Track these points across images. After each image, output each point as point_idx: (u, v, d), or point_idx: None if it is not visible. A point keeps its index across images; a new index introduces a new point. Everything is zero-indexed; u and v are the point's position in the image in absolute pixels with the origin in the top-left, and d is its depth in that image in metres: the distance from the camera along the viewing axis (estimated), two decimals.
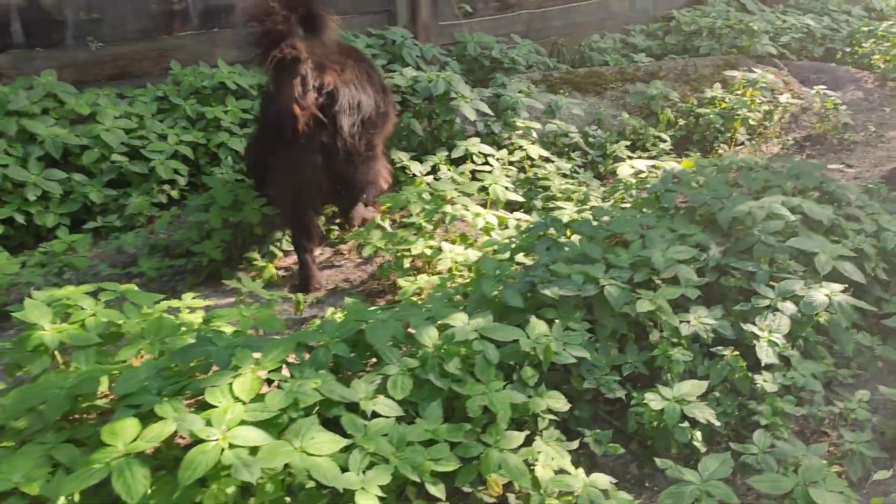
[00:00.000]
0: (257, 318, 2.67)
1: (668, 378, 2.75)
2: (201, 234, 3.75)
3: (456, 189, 3.62)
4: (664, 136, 5.31)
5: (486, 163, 4.50)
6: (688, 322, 2.83)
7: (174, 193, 4.37)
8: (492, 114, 4.74)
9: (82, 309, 2.61)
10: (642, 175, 3.89)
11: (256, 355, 2.26)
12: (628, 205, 3.75)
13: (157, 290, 3.57)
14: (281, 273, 3.79)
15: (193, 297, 2.98)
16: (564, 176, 4.56)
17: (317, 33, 3.50)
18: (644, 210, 3.55)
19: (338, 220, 4.15)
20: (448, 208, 3.47)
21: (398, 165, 4.33)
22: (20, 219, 3.91)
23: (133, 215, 4.11)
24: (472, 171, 4.45)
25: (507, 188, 3.75)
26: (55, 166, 4.19)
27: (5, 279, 3.35)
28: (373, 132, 3.77)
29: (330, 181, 3.68)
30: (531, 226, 3.22)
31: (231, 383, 2.12)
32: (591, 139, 5.17)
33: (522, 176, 4.51)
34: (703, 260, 3.16)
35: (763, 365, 2.75)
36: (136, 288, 2.89)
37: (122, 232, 4.11)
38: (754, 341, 2.80)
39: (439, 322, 2.58)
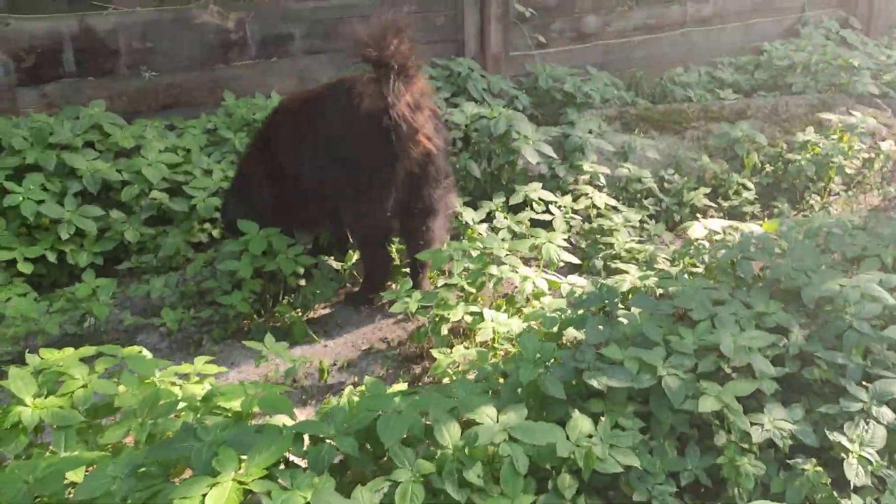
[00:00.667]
0: (264, 397, 2.36)
1: (736, 493, 2.31)
2: (232, 282, 3.49)
3: (505, 247, 3.24)
4: (749, 183, 4.80)
5: (547, 210, 4.11)
6: (761, 425, 2.39)
7: (215, 233, 4.16)
8: (555, 156, 4.35)
9: (73, 378, 2.36)
10: (717, 236, 3.43)
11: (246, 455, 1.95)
12: (701, 269, 3.29)
13: (181, 343, 3.37)
14: (314, 328, 3.50)
15: (207, 362, 2.71)
16: (635, 227, 4.12)
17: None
18: (717, 279, 3.09)
19: None
20: (494, 269, 3.10)
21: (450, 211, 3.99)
22: (52, 257, 3.75)
23: (170, 256, 3.91)
24: (531, 220, 4.08)
25: (562, 247, 3.35)
26: (96, 201, 4.05)
27: (22, 327, 3.17)
28: (446, 171, 3.56)
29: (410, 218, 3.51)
30: (584, 296, 2.81)
31: (205, 495, 1.81)
32: (666, 185, 4.71)
33: (587, 226, 4.10)
34: (782, 346, 2.69)
35: (852, 487, 2.27)
36: (144, 351, 2.64)
37: (159, 272, 3.92)
38: (842, 454, 2.33)
39: (464, 417, 2.22)
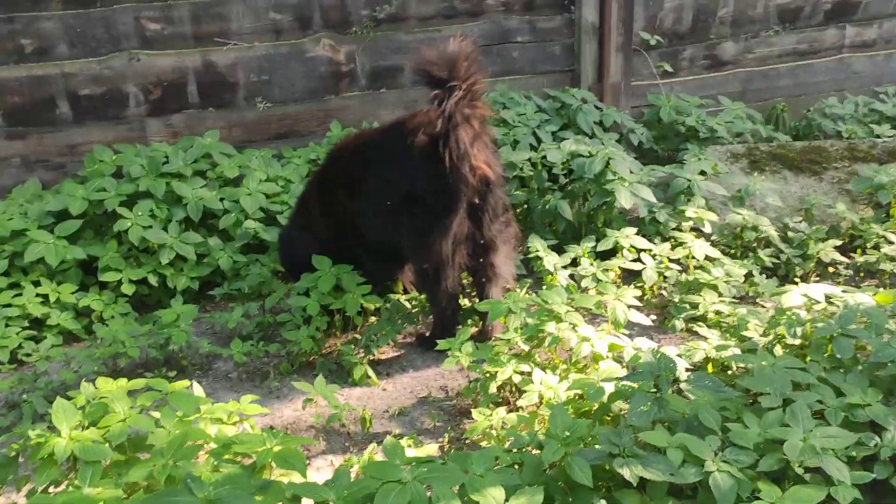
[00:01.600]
0: (279, 451, 2.35)
1: None
2: (304, 317, 3.55)
3: (567, 302, 3.04)
4: (892, 236, 4.24)
5: (639, 259, 3.85)
6: None
7: None
8: (653, 200, 4.07)
9: (114, 413, 2.47)
10: (818, 306, 3.03)
11: None
12: (796, 342, 2.91)
13: (251, 373, 3.47)
14: (378, 369, 3.47)
15: (265, 396, 2.77)
16: (738, 283, 3.75)
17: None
18: (809, 359, 2.73)
19: None
20: (552, 327, 2.92)
21: (531, 255, 3.84)
22: (153, 280, 4.00)
23: (257, 284, 4.04)
24: (621, 268, 3.84)
25: (633, 306, 3.09)
26: (201, 228, 4.28)
27: (109, 349, 3.39)
28: (505, 203, 3.50)
29: (472, 254, 3.42)
30: (639, 368, 2.57)
31: None
32: (791, 234, 4.27)
33: (683, 278, 3.79)
34: (873, 446, 2.32)
35: None
36: (195, 385, 2.72)
37: (248, 299, 4.07)
38: None
39: (469, 498, 2.09)
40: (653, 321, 3.78)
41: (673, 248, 3.95)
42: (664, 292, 3.83)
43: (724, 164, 5.03)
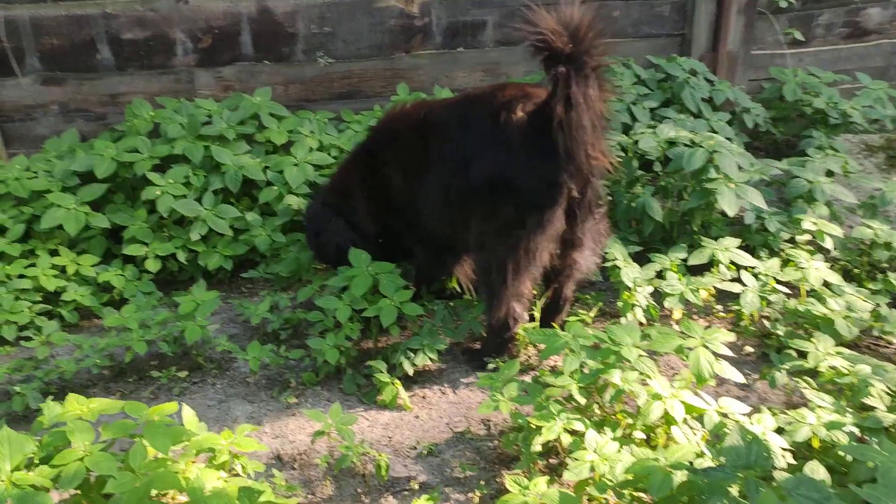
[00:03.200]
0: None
1: None
2: (331, 322, 3.08)
3: (643, 343, 2.43)
4: None
5: (739, 279, 3.17)
6: None
7: None
8: (764, 206, 3.34)
9: (72, 449, 2.07)
10: None
11: None
12: None
13: (272, 379, 3.04)
14: (415, 388, 2.98)
15: (248, 433, 2.33)
16: (862, 321, 3.03)
17: None
18: None
19: None
20: (616, 376, 2.33)
21: (607, 263, 3.22)
22: (182, 257, 3.61)
23: (297, 268, 3.60)
24: (716, 289, 3.18)
25: (721, 357, 2.45)
26: (242, 199, 3.86)
27: (114, 340, 3.02)
28: (601, 195, 2.97)
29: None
30: (722, 453, 1.97)
31: None
32: None
33: (792, 305, 3.09)
34: None
35: None
36: (185, 408, 2.31)
37: (287, 285, 3.65)
38: None
39: None
40: (749, 353, 3.13)
41: (783, 266, 3.25)
42: (766, 320, 3.15)
43: (856, 158, 4.21)
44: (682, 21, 4.77)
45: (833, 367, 2.53)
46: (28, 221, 3.56)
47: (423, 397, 2.95)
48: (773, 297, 3.13)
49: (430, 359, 2.94)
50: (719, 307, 3.35)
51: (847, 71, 5.00)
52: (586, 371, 2.40)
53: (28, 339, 3.13)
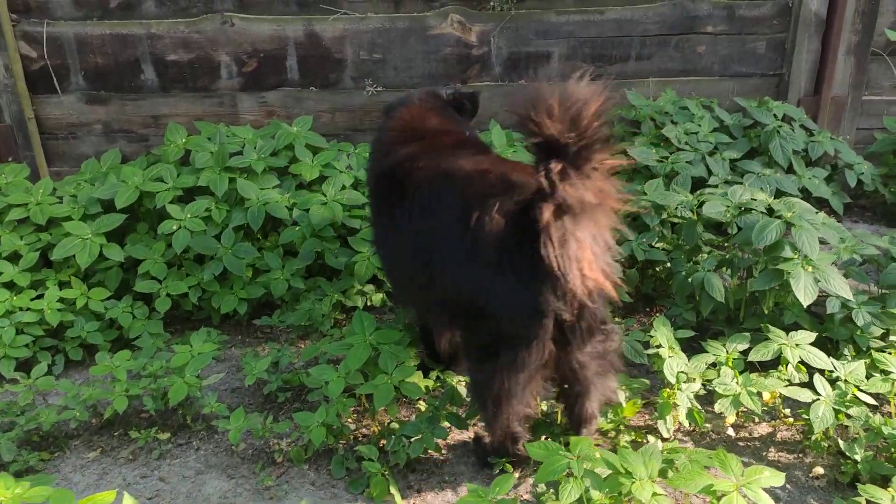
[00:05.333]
0: None
1: None
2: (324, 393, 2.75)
3: (654, 471, 1.96)
4: None
5: (810, 385, 2.63)
6: None
7: (376, 298, 3.45)
8: (849, 296, 2.78)
9: None
10: None
11: None
12: None
13: (256, 452, 2.74)
14: (411, 476, 2.61)
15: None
16: None
17: None
18: None
19: None
20: None
21: (650, 350, 2.76)
22: (194, 297, 3.38)
23: (309, 322, 3.30)
24: (782, 394, 2.65)
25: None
26: (268, 238, 3.60)
27: (95, 394, 2.80)
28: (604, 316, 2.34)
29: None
30: None
31: None
32: None
33: (877, 423, 2.52)
34: None
35: None
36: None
37: (306, 333, 3.37)
38: None
39: None
40: (819, 476, 2.58)
41: (870, 373, 2.68)
42: (842, 439, 2.59)
43: None
44: (780, 60, 4.19)
45: None
46: (44, 249, 3.42)
47: (419, 491, 2.57)
48: (852, 411, 2.57)
49: (427, 449, 2.56)
50: (787, 410, 2.82)
51: None
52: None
53: (14, 381, 2.96)
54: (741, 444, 2.75)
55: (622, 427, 2.64)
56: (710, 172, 3.70)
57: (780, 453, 2.70)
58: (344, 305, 3.44)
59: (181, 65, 4.03)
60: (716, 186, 3.54)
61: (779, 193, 3.67)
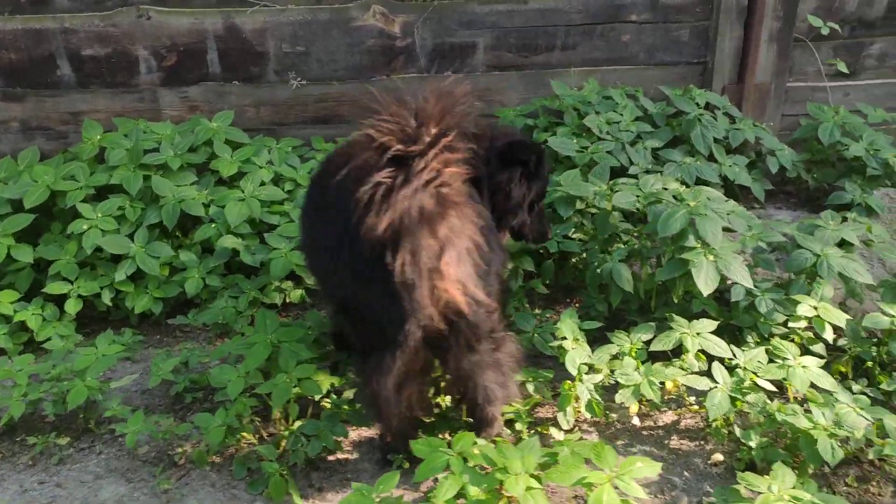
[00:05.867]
0: None
1: None
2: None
3: (532, 465, 1.96)
4: None
5: (709, 373, 2.64)
6: None
7: (295, 295, 3.42)
8: (749, 284, 2.79)
9: None
10: None
11: None
12: None
13: (158, 454, 2.71)
14: (315, 475, 2.59)
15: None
16: (854, 442, 2.46)
17: None
18: None
19: None
20: None
21: (554, 343, 2.76)
22: (107, 298, 3.33)
23: (224, 321, 3.26)
24: (682, 382, 2.66)
25: (629, 501, 1.94)
26: (184, 237, 3.55)
27: None
28: (494, 304, 2.31)
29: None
30: None
31: None
32: None
33: (775, 410, 2.53)
34: None
35: None
36: None
37: (224, 331, 3.33)
38: None
39: None
40: (718, 463, 2.61)
41: (770, 359, 2.70)
42: (738, 426, 2.61)
43: (892, 219, 3.58)
44: (704, 48, 4.20)
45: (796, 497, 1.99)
46: None
47: (320, 490, 2.55)
48: (750, 398, 2.59)
49: (327, 448, 2.55)
50: (692, 399, 2.84)
51: None
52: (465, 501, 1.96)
53: None
54: (645, 433, 2.77)
55: (525, 419, 2.64)
56: (631, 162, 3.70)
57: (682, 441, 2.73)
58: (263, 303, 3.40)
59: (98, 60, 3.95)
60: (634, 176, 3.55)
61: (699, 182, 3.70)
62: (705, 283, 2.72)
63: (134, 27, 3.91)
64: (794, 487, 2.08)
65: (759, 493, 2.05)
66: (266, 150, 3.82)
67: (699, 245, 2.80)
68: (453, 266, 1.96)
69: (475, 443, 2.07)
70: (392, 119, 1.88)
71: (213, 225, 3.45)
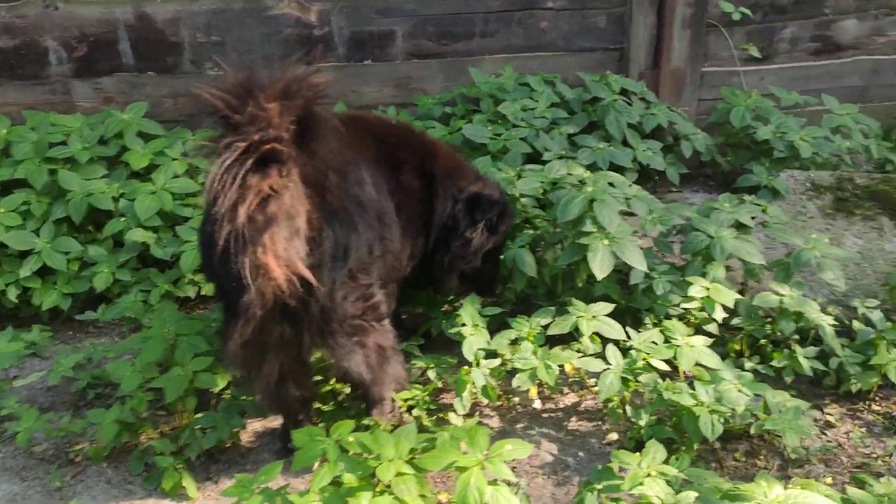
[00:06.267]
0: None
1: None
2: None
3: (414, 455, 1.99)
4: None
5: (602, 355, 2.69)
6: None
7: (207, 288, 3.41)
8: (644, 268, 2.85)
9: None
10: None
11: None
12: None
13: (56, 451, 2.70)
14: (210, 472, 2.59)
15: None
16: (736, 414, 2.54)
17: (309, 143, 2.06)
18: None
19: None
20: (364, 500, 1.91)
21: (454, 329, 2.79)
22: (12, 295, 3.29)
23: (140, 309, 3.24)
24: (579, 364, 2.71)
25: (499, 483, 1.98)
26: (100, 230, 3.51)
27: None
28: (364, 285, 2.37)
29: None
30: None
31: None
32: (856, 325, 2.96)
33: (665, 388, 2.59)
34: None
35: None
36: None
37: (136, 327, 3.31)
38: None
39: None
40: (612, 442, 2.68)
41: (666, 339, 2.76)
42: (631, 406, 2.67)
43: (798, 199, 3.67)
44: (621, 34, 4.26)
45: (655, 496, 2.05)
46: None
47: (217, 483, 2.57)
48: (643, 378, 2.65)
49: (221, 441, 2.56)
50: (593, 381, 2.90)
51: (819, 90, 4.42)
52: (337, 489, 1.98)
53: None
54: (545, 415, 2.82)
55: (423, 405, 2.67)
56: (546, 148, 3.74)
57: (581, 422, 2.79)
58: (178, 296, 3.38)
59: (6, 51, 3.88)
60: (546, 163, 3.59)
61: (613, 167, 3.76)
62: (600, 268, 2.77)
63: (42, 17, 3.84)
64: (665, 463, 2.14)
65: (630, 469, 2.10)
66: (181, 142, 3.78)
67: (596, 230, 2.85)
68: (278, 243, 1.95)
69: (357, 430, 2.09)
70: (225, 88, 1.90)
71: (123, 219, 3.42)
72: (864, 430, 2.71)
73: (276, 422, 2.76)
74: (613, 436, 2.70)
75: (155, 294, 3.30)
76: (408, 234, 2.69)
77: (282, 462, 2.16)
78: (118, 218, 3.43)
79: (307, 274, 2.00)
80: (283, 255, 1.94)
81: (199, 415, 2.62)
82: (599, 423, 2.77)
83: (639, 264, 2.82)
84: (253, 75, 1.92)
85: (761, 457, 2.61)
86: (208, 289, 3.42)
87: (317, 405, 2.69)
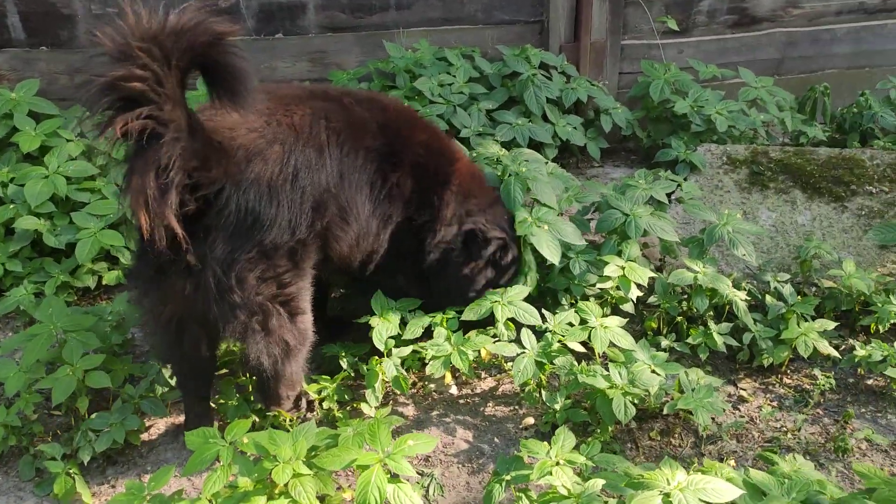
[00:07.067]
0: None
1: None
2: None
3: (315, 453, 1.90)
4: None
5: (518, 340, 2.63)
6: None
7: (109, 277, 3.23)
8: (582, 242, 2.82)
9: None
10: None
11: None
12: None
13: None
14: (107, 474, 2.45)
15: None
16: (648, 395, 2.52)
17: (230, 94, 2.10)
18: None
19: None
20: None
21: (363, 318, 2.69)
22: None
23: (31, 303, 3.05)
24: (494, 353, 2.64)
25: (400, 481, 1.91)
26: None
27: None
28: (280, 269, 2.27)
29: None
30: None
31: None
32: (769, 299, 2.98)
33: (580, 370, 2.55)
34: None
35: None
36: None
37: (32, 321, 3.11)
38: None
39: None
40: (529, 427, 2.64)
41: (581, 321, 2.72)
42: (546, 391, 2.63)
43: (715, 173, 3.68)
44: (541, 6, 4.17)
45: (562, 485, 2.00)
46: None
47: (114, 486, 2.43)
48: (558, 361, 2.60)
49: (116, 442, 2.41)
50: (509, 365, 2.84)
51: (732, 64, 4.43)
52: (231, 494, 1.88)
53: None
54: (462, 401, 2.77)
55: (334, 396, 2.58)
56: (464, 125, 3.65)
57: (497, 407, 2.74)
58: (75, 287, 3.19)
59: None
60: (466, 140, 3.50)
61: (532, 143, 3.69)
62: (551, 252, 2.72)
63: None
64: (576, 449, 2.10)
65: (538, 455, 2.05)
66: (76, 122, 3.54)
67: (534, 217, 2.78)
68: (152, 191, 1.94)
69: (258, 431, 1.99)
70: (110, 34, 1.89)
71: (13, 206, 3.20)
72: (775, 404, 2.74)
73: (179, 418, 2.64)
74: (530, 420, 2.66)
75: (50, 285, 3.10)
76: (383, 238, 2.61)
77: (173, 466, 2.04)
78: (8, 205, 3.20)
79: (175, 226, 1.95)
80: (152, 204, 1.94)
81: (93, 416, 2.47)
82: (516, 407, 2.73)
83: (578, 240, 2.79)
84: (139, 19, 1.89)
85: (676, 435, 2.61)
86: (110, 278, 3.24)
87: (221, 400, 2.57)
